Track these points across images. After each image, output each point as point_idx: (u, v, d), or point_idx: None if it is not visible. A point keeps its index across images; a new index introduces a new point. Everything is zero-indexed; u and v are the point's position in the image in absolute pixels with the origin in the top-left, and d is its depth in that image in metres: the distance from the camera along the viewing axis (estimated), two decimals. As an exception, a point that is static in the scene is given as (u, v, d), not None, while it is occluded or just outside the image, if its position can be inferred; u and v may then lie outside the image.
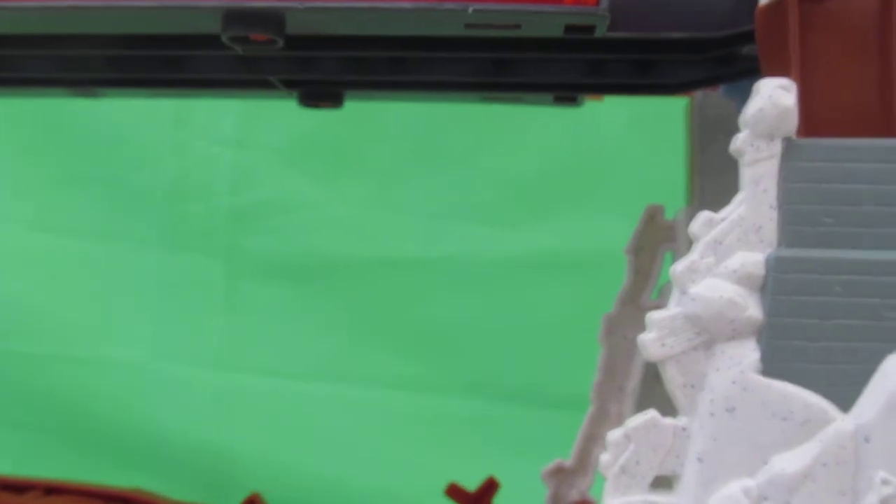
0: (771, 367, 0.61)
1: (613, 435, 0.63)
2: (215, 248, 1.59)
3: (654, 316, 0.63)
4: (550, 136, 1.51)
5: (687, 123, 0.98)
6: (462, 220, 1.56)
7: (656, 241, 1.03)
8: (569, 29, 0.70)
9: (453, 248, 1.56)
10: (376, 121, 1.51)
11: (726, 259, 0.62)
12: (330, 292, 1.57)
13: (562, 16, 0.68)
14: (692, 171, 0.95)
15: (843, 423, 0.60)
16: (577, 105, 0.95)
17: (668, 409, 0.63)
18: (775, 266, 0.62)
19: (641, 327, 0.63)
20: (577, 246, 1.51)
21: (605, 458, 0.63)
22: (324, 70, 0.86)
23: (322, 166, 1.59)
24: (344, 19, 0.70)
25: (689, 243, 0.64)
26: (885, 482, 0.59)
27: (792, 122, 0.62)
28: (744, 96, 0.64)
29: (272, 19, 0.69)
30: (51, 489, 1.01)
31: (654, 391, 0.91)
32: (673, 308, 0.62)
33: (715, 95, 0.91)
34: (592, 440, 1.05)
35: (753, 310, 0.62)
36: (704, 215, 0.63)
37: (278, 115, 1.45)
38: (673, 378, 0.62)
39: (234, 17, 0.69)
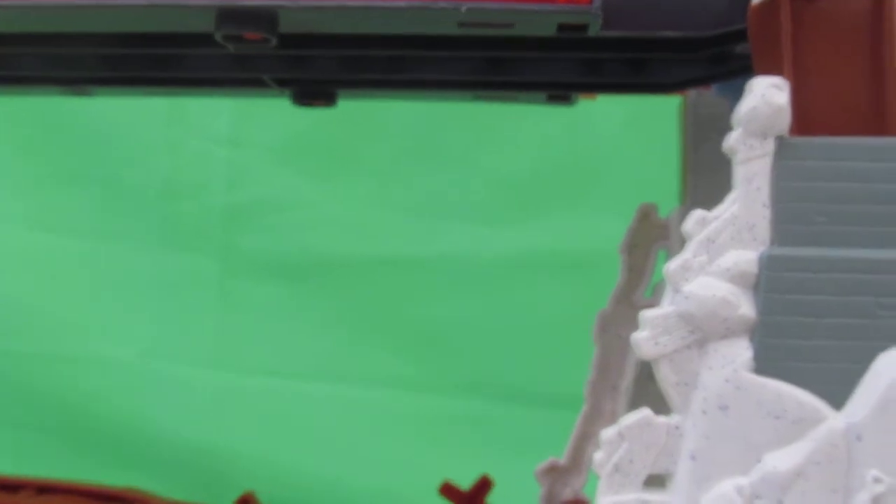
0: (764, 365, 0.61)
1: (607, 433, 0.63)
2: (210, 247, 1.59)
3: (647, 314, 0.63)
4: (545, 135, 1.51)
5: (680, 122, 0.98)
6: (457, 219, 1.56)
7: (650, 239, 1.03)
8: (562, 28, 0.70)
9: (448, 247, 1.56)
10: (371, 119, 1.51)
11: (719, 257, 0.62)
12: (325, 291, 1.57)
13: (555, 15, 0.68)
14: (686, 170, 0.95)
15: (835, 421, 0.60)
16: (571, 104, 0.95)
17: (662, 407, 0.63)
18: (768, 264, 0.62)
19: (635, 325, 0.64)
20: (572, 244, 1.51)
21: (598, 456, 0.63)
22: (317, 69, 0.86)
23: (317, 165, 1.59)
24: (337, 18, 0.70)
25: (683, 242, 0.64)
26: (876, 480, 0.59)
27: (785, 120, 0.63)
28: (737, 95, 0.65)
29: (265, 18, 0.69)
30: (43, 488, 1.01)
31: (648, 389, 0.91)
32: (666, 306, 0.62)
33: (708, 94, 0.92)
34: (586, 439, 1.05)
35: (746, 308, 0.62)
36: (697, 214, 0.63)
37: (273, 113, 1.45)
38: (666, 376, 0.62)
39: (228, 16, 0.69)
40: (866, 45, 0.64)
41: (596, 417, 1.04)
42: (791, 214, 0.62)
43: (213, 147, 1.59)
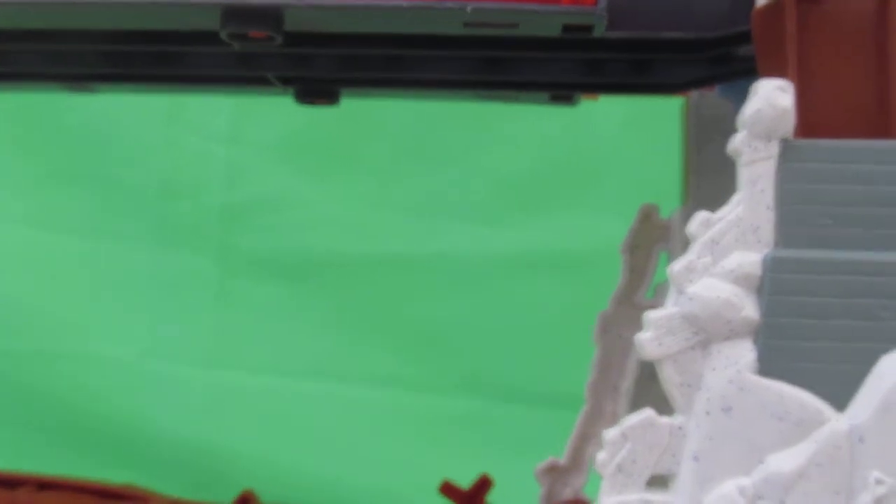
0: (767, 366, 0.62)
1: (610, 433, 0.63)
2: (208, 246, 1.59)
3: (651, 315, 0.63)
4: (546, 135, 1.51)
5: (683, 123, 0.98)
6: (457, 218, 1.56)
7: (651, 240, 1.04)
8: (567, 28, 0.70)
9: (448, 246, 1.56)
10: (370, 119, 1.51)
11: (723, 259, 0.62)
12: (323, 290, 1.57)
13: (560, 15, 0.69)
14: (687, 171, 0.95)
15: (838, 423, 0.60)
16: (573, 104, 0.95)
17: (663, 407, 0.64)
18: (772, 266, 0.62)
19: (636, 326, 0.64)
20: (573, 244, 1.51)
21: (601, 456, 0.63)
22: (320, 67, 0.86)
23: (316, 164, 1.59)
24: (342, 17, 0.70)
25: (684, 243, 0.64)
26: (879, 482, 0.59)
27: (789, 123, 0.63)
28: (740, 96, 0.65)
29: (271, 16, 0.69)
30: (43, 485, 1.01)
31: (649, 390, 0.91)
32: (670, 307, 0.63)
33: (711, 95, 0.92)
34: (586, 439, 1.05)
35: (750, 310, 0.62)
36: (702, 215, 0.63)
37: (271, 111, 1.45)
38: (670, 377, 0.63)
39: (233, 14, 0.69)
40: (871, 48, 0.64)
41: (596, 417, 1.04)
42: (795, 217, 0.62)
43: (212, 146, 1.59)
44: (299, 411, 1.54)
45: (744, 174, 0.63)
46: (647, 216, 1.03)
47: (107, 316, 1.56)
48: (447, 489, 1.05)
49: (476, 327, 1.53)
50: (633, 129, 1.45)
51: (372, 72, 0.88)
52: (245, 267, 1.59)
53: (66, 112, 1.54)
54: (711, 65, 0.83)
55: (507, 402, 1.52)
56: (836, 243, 0.62)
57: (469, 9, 0.67)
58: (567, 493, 1.06)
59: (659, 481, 0.63)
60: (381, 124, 1.54)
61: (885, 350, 0.61)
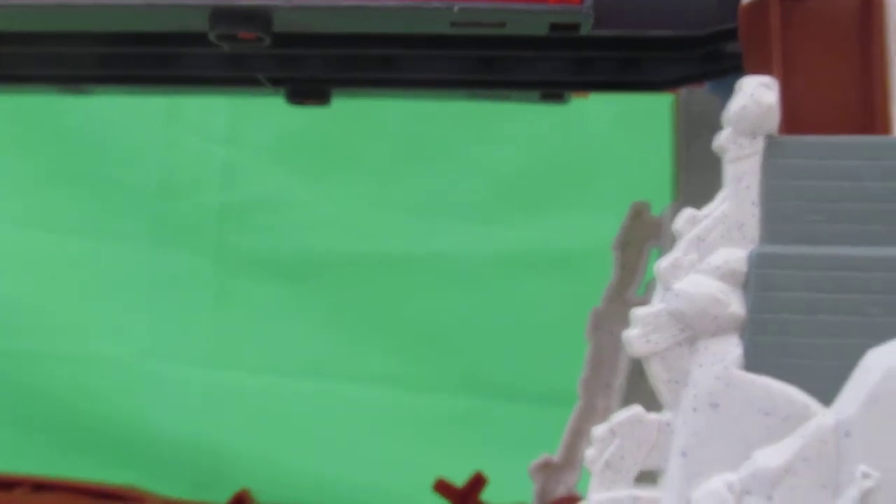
0: (754, 362, 0.62)
1: (598, 430, 0.63)
2: (205, 246, 1.59)
3: (638, 312, 0.63)
4: (538, 134, 1.51)
5: (673, 120, 0.98)
6: (451, 218, 1.56)
7: (643, 237, 1.04)
8: (554, 27, 0.71)
9: (443, 246, 1.56)
10: (367, 119, 1.51)
11: (709, 255, 0.63)
12: (320, 290, 1.57)
13: (547, 14, 0.69)
14: (678, 168, 0.96)
15: (824, 417, 0.61)
16: (564, 102, 0.96)
17: (656, 404, 0.64)
18: (758, 262, 0.62)
19: (628, 323, 0.64)
20: (565, 242, 1.51)
21: (590, 452, 0.63)
22: (310, 68, 0.86)
23: (313, 164, 1.59)
24: (329, 17, 0.70)
25: (676, 239, 0.64)
26: (865, 476, 0.59)
27: (774, 119, 0.63)
28: (729, 93, 0.65)
29: (259, 18, 0.69)
30: (39, 485, 1.01)
31: (641, 387, 0.91)
32: (657, 304, 0.63)
33: (700, 92, 0.92)
34: (579, 435, 1.05)
35: (736, 306, 0.62)
36: (688, 212, 0.63)
37: (269, 112, 1.45)
38: (657, 374, 0.63)
39: (222, 16, 0.69)
40: (855, 45, 0.64)
41: (589, 414, 1.04)
42: (780, 213, 0.63)
43: (210, 146, 1.59)
44: (298, 411, 1.54)
45: (729, 171, 0.63)
46: (639, 213, 1.04)
47: (105, 316, 1.57)
48: (441, 487, 1.06)
49: (470, 326, 1.53)
50: (624, 127, 1.45)
51: (362, 72, 0.88)
52: (243, 267, 1.59)
53: (64, 112, 1.54)
54: (700, 62, 0.83)
55: (501, 399, 1.53)
56: (821, 239, 0.63)
57: (456, 8, 0.68)
58: (560, 490, 1.06)
59: (647, 477, 0.64)
60: (377, 125, 1.54)
61: (871, 345, 0.61)
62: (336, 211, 1.58)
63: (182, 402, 1.55)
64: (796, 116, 0.64)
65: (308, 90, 0.91)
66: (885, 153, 0.63)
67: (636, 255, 1.03)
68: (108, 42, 0.82)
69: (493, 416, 1.52)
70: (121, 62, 0.88)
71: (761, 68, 0.64)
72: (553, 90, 0.93)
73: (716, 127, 0.65)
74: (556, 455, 1.06)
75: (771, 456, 0.60)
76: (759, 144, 0.63)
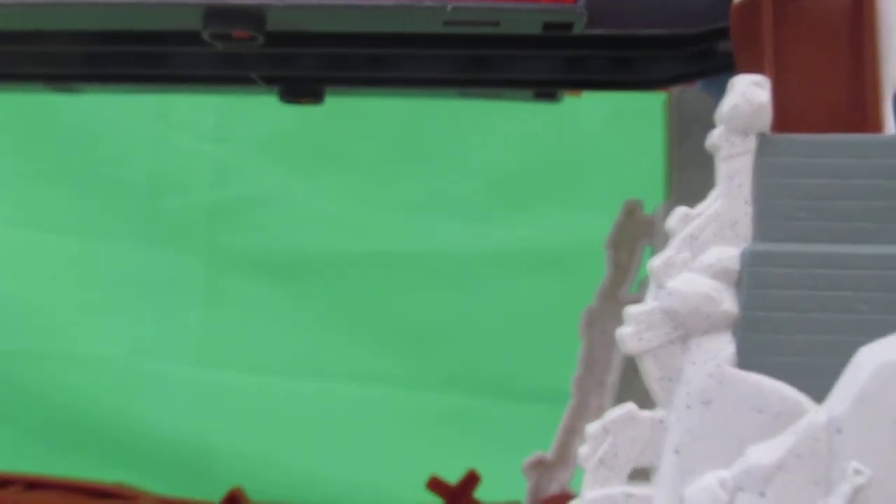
0: (746, 360, 0.62)
1: (592, 428, 0.63)
2: (195, 244, 1.59)
3: (631, 310, 0.63)
4: (531, 132, 1.52)
5: (665, 119, 0.98)
6: (443, 216, 1.56)
7: (635, 235, 1.04)
8: (547, 26, 0.71)
9: (435, 244, 1.56)
10: (358, 117, 1.51)
11: (702, 254, 0.63)
12: (309, 288, 1.57)
13: (540, 13, 0.69)
14: (671, 166, 0.96)
15: (816, 414, 0.61)
16: (557, 101, 0.96)
17: (649, 402, 0.64)
18: (750, 260, 0.62)
19: (621, 321, 0.64)
20: (558, 240, 1.51)
21: (583, 450, 0.64)
22: (304, 67, 0.86)
23: (304, 162, 1.59)
24: (323, 16, 0.70)
25: (668, 238, 0.64)
26: (857, 472, 0.60)
27: (766, 117, 0.63)
28: (721, 92, 0.65)
29: (252, 16, 0.69)
30: (32, 484, 1.01)
31: (634, 384, 0.91)
32: (650, 302, 0.63)
33: (693, 91, 0.92)
34: (572, 433, 1.05)
35: (729, 304, 0.62)
36: (680, 211, 0.64)
37: (260, 110, 1.45)
38: (650, 371, 0.63)
39: (215, 15, 0.69)
40: (846, 43, 0.64)
41: (583, 412, 1.04)
42: (773, 211, 0.63)
43: (200, 144, 1.59)
44: (291, 409, 1.54)
45: (722, 169, 0.63)
46: (631, 212, 1.04)
47: (96, 315, 1.56)
48: (434, 485, 1.06)
49: (463, 324, 1.53)
50: (617, 126, 1.45)
51: (356, 71, 0.88)
52: (235, 265, 1.59)
53: (55, 111, 1.54)
54: (692, 61, 0.83)
55: (494, 397, 1.53)
56: (813, 237, 0.63)
57: (450, 7, 0.68)
58: (554, 488, 1.06)
59: (641, 474, 0.64)
60: (368, 123, 1.54)
61: (863, 342, 0.62)
62: (328, 209, 1.58)
63: (174, 400, 1.55)
64: (788, 115, 0.64)
65: (301, 89, 0.91)
66: (876, 151, 0.63)
67: (629, 254, 1.04)
68: (101, 41, 0.82)
69: (486, 413, 1.53)
70: (114, 61, 0.88)
71: (753, 67, 0.64)
72: (546, 89, 0.93)
73: (708, 125, 0.65)
74: (549, 453, 1.07)
75: (763, 453, 0.61)
76: (752, 143, 0.63)
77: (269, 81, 0.90)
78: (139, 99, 1.49)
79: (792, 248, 0.63)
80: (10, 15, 0.72)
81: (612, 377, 1.03)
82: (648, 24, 0.74)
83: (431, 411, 1.53)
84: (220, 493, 1.06)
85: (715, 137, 0.64)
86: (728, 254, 0.63)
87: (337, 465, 1.50)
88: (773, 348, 0.62)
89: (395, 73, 0.88)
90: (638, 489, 0.63)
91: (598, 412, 1.00)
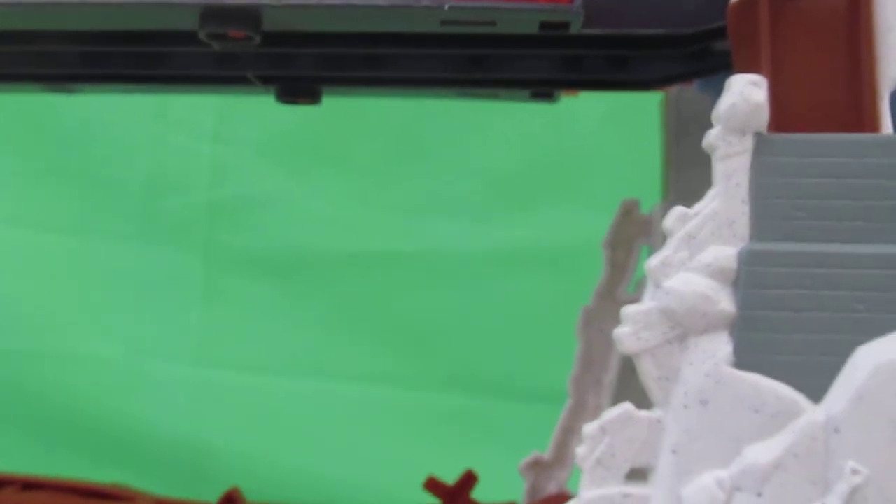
0: (743, 359, 0.62)
1: (589, 428, 0.63)
2: (193, 244, 1.59)
3: (629, 310, 0.63)
4: (529, 132, 1.52)
5: (662, 118, 0.98)
6: (440, 215, 1.56)
7: (632, 235, 1.04)
8: (544, 26, 0.71)
9: (432, 243, 1.56)
10: (357, 116, 1.51)
11: (699, 253, 0.63)
12: (308, 288, 1.57)
13: (536, 13, 0.69)
14: (668, 166, 0.96)
15: (814, 414, 0.61)
16: (554, 101, 0.96)
17: (646, 401, 0.64)
18: (748, 260, 0.62)
19: (618, 321, 0.64)
20: (555, 240, 1.51)
21: (581, 450, 0.63)
22: (301, 67, 0.86)
23: (302, 161, 1.59)
24: (320, 16, 0.70)
25: (665, 237, 0.64)
26: (854, 472, 0.60)
27: (763, 117, 0.63)
28: (718, 91, 0.65)
29: (249, 16, 0.69)
30: (28, 485, 1.01)
31: (632, 384, 0.91)
32: (647, 302, 0.63)
33: (690, 90, 0.92)
34: (570, 433, 1.05)
35: (726, 303, 0.62)
36: (678, 210, 0.63)
37: (258, 109, 1.45)
38: (648, 371, 0.63)
39: (211, 14, 0.69)
40: (843, 43, 0.64)
41: (580, 412, 1.05)
42: (770, 210, 0.63)
43: (199, 144, 1.59)
44: (289, 409, 1.54)
45: (719, 169, 0.63)
46: (628, 211, 1.04)
47: (94, 314, 1.56)
48: (432, 485, 1.06)
49: (460, 323, 1.53)
50: (614, 125, 1.45)
51: (353, 70, 0.88)
52: (233, 265, 1.59)
53: (51, 110, 1.54)
54: (689, 60, 0.83)
55: (491, 397, 1.53)
56: (810, 236, 0.63)
57: (447, 7, 0.68)
58: (551, 488, 1.06)
59: (638, 474, 0.64)
60: (366, 122, 1.54)
61: (860, 342, 0.62)
62: (326, 209, 1.58)
63: (173, 400, 1.55)
64: (785, 114, 0.64)
65: (298, 89, 0.91)
66: (873, 151, 0.63)
67: (626, 253, 1.04)
68: (98, 41, 0.82)
69: (483, 413, 1.53)
70: (110, 61, 0.88)
71: (750, 66, 0.64)
72: (543, 88, 0.93)
73: (705, 125, 0.65)
74: (546, 453, 1.07)
75: (761, 452, 0.61)
76: (749, 142, 0.63)
77: (266, 81, 0.90)
78: (138, 99, 1.49)
79: (789, 248, 0.63)
80: (7, 15, 0.72)
81: (610, 377, 1.03)
82: (645, 24, 0.74)
83: (429, 411, 1.54)
84: (218, 493, 1.06)
85: (712, 137, 0.64)
86: (725, 253, 0.63)
87: (336, 464, 1.50)
88: (770, 348, 0.62)
89: (392, 73, 0.88)
90: (635, 489, 0.63)
91: (596, 412, 1.00)
